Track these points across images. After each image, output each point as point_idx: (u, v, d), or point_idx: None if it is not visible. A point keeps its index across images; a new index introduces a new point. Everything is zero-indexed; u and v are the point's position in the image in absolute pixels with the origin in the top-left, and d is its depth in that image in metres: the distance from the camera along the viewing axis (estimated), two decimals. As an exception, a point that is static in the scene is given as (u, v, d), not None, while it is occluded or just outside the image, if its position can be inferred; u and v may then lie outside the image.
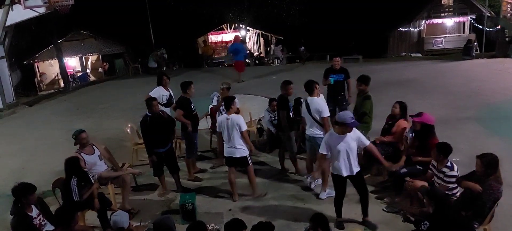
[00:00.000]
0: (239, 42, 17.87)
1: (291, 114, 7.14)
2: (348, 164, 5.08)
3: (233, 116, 6.11)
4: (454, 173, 4.94)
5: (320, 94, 6.53)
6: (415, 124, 5.71)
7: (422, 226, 4.36)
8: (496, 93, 11.23)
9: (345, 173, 5.11)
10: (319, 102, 6.20)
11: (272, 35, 27.39)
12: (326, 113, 6.15)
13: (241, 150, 6.12)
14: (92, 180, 5.60)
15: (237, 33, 23.14)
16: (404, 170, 5.71)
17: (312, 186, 6.52)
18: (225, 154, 6.31)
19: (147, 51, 22.81)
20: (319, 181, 6.40)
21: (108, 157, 6.53)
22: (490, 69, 14.80)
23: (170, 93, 8.03)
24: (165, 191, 6.76)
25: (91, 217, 5.71)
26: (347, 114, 5.08)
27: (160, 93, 7.87)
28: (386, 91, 10.91)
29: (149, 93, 7.78)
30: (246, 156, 6.19)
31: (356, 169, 5.15)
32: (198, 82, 16.77)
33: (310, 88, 6.29)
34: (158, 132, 6.49)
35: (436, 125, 5.79)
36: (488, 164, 4.51)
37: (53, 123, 12.44)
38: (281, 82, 7.02)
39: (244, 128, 6.07)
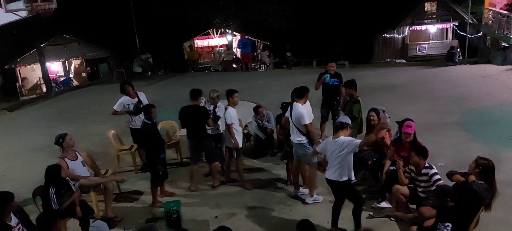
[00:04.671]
0: (247, 38, 22.29)
1: None
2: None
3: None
4: (435, 170, 5.07)
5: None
6: (408, 134, 5.67)
7: (443, 228, 4.22)
8: (479, 99, 11.39)
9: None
10: (299, 109, 5.95)
11: (259, 40, 27.43)
12: (305, 120, 5.91)
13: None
14: (73, 188, 5.46)
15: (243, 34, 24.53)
16: (393, 167, 5.76)
17: (298, 194, 6.48)
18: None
19: (132, 56, 22.60)
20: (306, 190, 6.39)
21: (91, 164, 6.41)
22: (473, 75, 15.04)
23: (138, 99, 7.68)
24: (158, 203, 6.50)
25: (73, 225, 5.57)
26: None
27: (123, 102, 7.61)
28: (372, 96, 10.96)
29: (114, 107, 7.63)
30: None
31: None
32: (184, 87, 16.66)
33: (301, 94, 6.09)
34: (158, 138, 6.50)
35: (421, 130, 5.82)
36: (481, 166, 4.55)
37: (35, 128, 12.17)
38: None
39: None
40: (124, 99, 7.65)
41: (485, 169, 4.58)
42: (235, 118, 6.57)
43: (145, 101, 7.74)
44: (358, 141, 4.97)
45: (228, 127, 6.57)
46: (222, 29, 26.40)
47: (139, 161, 7.57)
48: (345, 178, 5.03)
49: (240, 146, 6.78)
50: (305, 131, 5.96)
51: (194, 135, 6.79)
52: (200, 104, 6.99)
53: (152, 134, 6.36)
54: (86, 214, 5.40)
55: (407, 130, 5.63)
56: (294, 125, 6.03)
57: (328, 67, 8.23)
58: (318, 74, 8.50)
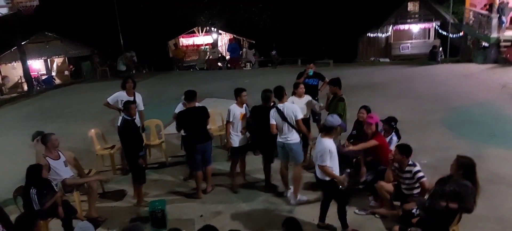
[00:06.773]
0: (235, 43, 22.93)
1: None
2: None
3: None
4: (418, 168, 5.15)
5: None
6: (370, 124, 5.88)
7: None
8: (461, 97, 11.60)
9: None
10: (293, 106, 6.10)
11: (244, 39, 27.41)
12: (300, 115, 6.06)
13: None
14: (55, 188, 5.36)
15: (231, 37, 25.58)
16: (369, 177, 5.86)
17: (287, 194, 6.44)
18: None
19: (116, 54, 22.35)
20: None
21: (74, 164, 6.30)
22: (455, 74, 15.31)
23: (134, 100, 7.38)
24: (143, 202, 6.39)
25: (55, 226, 5.47)
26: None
27: (118, 98, 7.38)
28: (357, 95, 11.07)
29: (108, 99, 7.45)
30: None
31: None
32: (170, 86, 16.57)
33: (280, 94, 6.17)
34: (137, 135, 6.38)
35: (405, 127, 5.88)
36: (462, 164, 4.62)
37: (16, 128, 11.94)
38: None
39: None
40: (120, 94, 7.43)
41: (466, 167, 4.64)
42: (234, 115, 6.44)
43: (140, 103, 7.56)
44: (324, 162, 4.90)
45: (226, 124, 6.55)
46: (207, 28, 26.30)
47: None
48: (327, 178, 5.03)
49: (236, 145, 6.61)
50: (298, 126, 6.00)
51: (201, 137, 6.40)
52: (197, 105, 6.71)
53: (132, 131, 6.23)
54: (68, 214, 5.31)
55: (369, 120, 5.90)
56: (289, 123, 5.98)
57: (306, 68, 8.26)
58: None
